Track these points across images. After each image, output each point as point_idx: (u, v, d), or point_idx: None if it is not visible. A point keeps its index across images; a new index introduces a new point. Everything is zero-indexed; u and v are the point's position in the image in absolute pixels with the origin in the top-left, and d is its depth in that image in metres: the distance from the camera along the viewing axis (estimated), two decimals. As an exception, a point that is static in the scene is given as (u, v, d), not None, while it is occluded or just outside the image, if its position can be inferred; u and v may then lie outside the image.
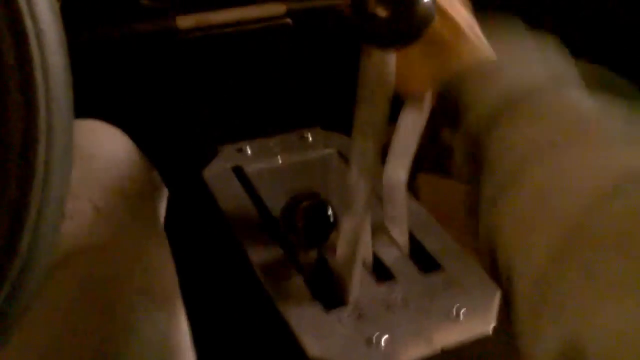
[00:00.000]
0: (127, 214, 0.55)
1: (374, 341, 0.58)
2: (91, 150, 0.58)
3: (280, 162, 0.80)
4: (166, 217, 0.66)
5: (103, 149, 0.58)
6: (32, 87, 0.30)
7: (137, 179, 0.59)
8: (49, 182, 0.32)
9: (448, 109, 0.48)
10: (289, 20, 0.75)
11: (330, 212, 0.64)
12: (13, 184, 0.30)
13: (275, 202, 0.72)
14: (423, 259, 0.68)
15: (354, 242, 0.59)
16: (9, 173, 0.30)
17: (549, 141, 0.39)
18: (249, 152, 0.80)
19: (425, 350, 0.58)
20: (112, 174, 0.57)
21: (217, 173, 0.77)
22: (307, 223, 0.64)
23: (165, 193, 0.63)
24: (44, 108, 0.31)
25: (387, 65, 0.51)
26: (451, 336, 0.60)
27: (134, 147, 0.61)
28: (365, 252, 0.66)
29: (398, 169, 0.65)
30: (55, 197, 0.33)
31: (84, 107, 0.46)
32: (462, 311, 0.61)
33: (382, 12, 0.44)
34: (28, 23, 0.30)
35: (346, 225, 0.60)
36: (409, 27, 0.44)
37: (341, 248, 0.61)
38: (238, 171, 0.78)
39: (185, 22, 0.71)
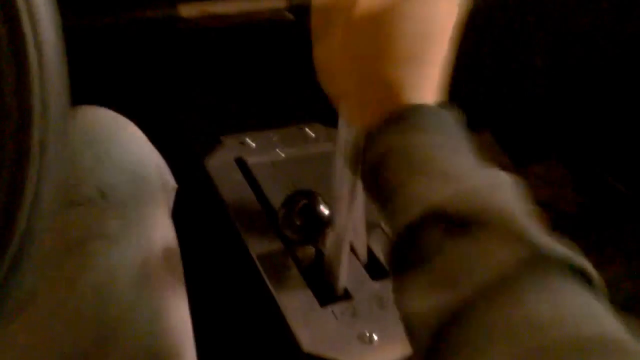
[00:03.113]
0: (135, 201, 0.55)
1: (367, 337, 0.59)
2: (100, 138, 0.58)
3: (281, 155, 0.81)
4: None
5: (112, 137, 0.58)
6: (25, 62, 0.30)
7: (146, 168, 0.59)
8: (45, 161, 0.31)
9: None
10: (290, 15, 0.76)
11: (325, 210, 0.65)
12: (8, 164, 0.30)
13: (276, 194, 0.73)
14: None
15: (342, 229, 0.60)
16: (3, 152, 0.30)
17: None
18: (251, 144, 0.81)
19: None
20: (120, 162, 0.57)
21: (220, 164, 0.78)
22: (303, 220, 0.66)
23: (172, 183, 0.63)
24: (38, 84, 0.30)
25: None
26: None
27: (143, 137, 0.61)
28: (360, 249, 0.67)
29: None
30: (52, 177, 0.32)
31: (86, 94, 0.47)
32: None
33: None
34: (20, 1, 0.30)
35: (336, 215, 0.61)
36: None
37: (331, 238, 0.62)
38: (240, 163, 0.79)
39: (188, 11, 0.71)
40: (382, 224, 0.72)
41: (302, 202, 0.66)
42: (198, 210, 0.76)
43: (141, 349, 0.49)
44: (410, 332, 0.35)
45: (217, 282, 0.73)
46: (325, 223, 0.65)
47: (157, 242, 0.55)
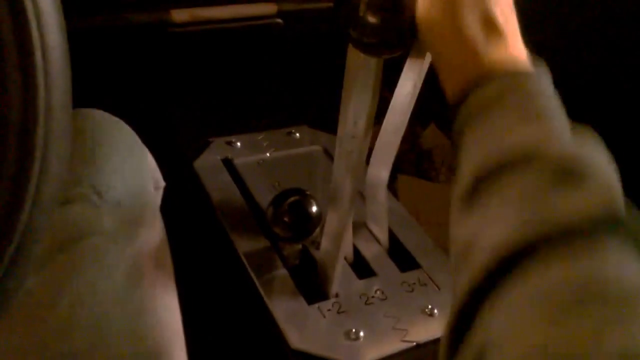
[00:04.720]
0: (128, 200, 0.56)
1: (352, 334, 0.61)
2: (95, 139, 0.58)
3: (268, 156, 0.82)
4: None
5: (106, 138, 0.59)
6: (31, 65, 0.31)
7: (139, 168, 0.60)
8: (47, 160, 0.32)
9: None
10: (279, 20, 0.77)
11: (315, 208, 0.67)
12: (12, 161, 0.31)
13: (263, 194, 0.75)
14: (402, 257, 0.71)
15: (337, 237, 0.62)
16: (8, 150, 0.31)
17: None
18: (239, 145, 0.82)
19: (400, 344, 0.61)
20: (114, 162, 0.58)
21: (208, 165, 0.79)
22: (293, 218, 0.66)
23: (161, 182, 0.64)
24: (43, 87, 0.31)
25: (371, 69, 0.52)
26: (425, 332, 0.63)
27: (136, 138, 0.62)
28: (347, 248, 0.68)
29: (380, 169, 0.67)
30: (53, 175, 0.33)
31: (78, 96, 0.47)
32: (436, 308, 0.65)
33: (371, 19, 0.44)
34: (27, 3, 0.30)
35: (330, 222, 0.62)
36: (396, 36, 0.45)
37: (325, 243, 0.64)
38: (228, 163, 0.80)
39: (180, 15, 0.72)
40: (367, 224, 0.74)
41: (291, 199, 0.67)
42: (186, 209, 0.77)
43: (132, 345, 0.50)
44: (464, 252, 0.34)
45: (206, 280, 0.74)
46: (314, 221, 0.67)
47: (149, 240, 0.56)
